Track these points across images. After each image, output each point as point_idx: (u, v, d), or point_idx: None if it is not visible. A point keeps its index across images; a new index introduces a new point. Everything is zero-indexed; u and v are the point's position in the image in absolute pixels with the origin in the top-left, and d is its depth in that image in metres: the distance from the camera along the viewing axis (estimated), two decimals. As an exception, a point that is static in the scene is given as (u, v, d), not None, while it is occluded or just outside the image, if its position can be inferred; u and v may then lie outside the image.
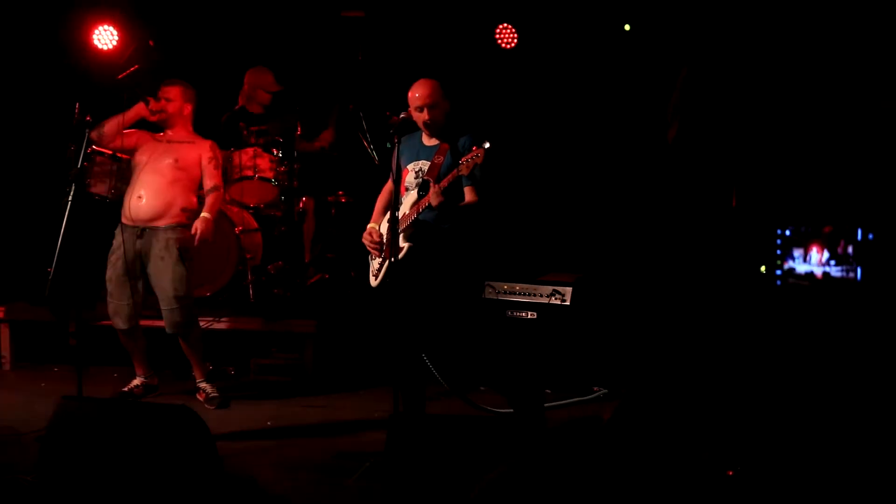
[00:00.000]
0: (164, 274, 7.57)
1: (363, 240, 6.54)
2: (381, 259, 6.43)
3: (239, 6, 10.10)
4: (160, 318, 7.78)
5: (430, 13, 9.81)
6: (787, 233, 8.22)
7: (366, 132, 9.27)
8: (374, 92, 9.29)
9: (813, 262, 8.20)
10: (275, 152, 9.27)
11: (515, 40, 9.60)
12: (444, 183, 6.04)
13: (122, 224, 7.61)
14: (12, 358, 9.03)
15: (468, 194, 6.20)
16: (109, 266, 7.68)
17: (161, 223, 7.59)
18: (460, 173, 6.02)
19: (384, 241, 6.40)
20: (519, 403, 6.62)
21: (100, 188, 8.10)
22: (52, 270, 7.00)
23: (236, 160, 9.29)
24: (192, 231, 7.59)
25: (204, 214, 7.69)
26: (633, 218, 9.33)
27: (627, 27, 9.60)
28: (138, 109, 7.81)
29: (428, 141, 6.43)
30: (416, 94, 6.31)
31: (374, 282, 6.51)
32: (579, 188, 9.62)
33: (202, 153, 7.84)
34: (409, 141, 6.49)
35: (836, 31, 8.66)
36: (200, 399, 7.82)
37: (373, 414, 7.42)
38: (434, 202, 6.04)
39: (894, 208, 8.15)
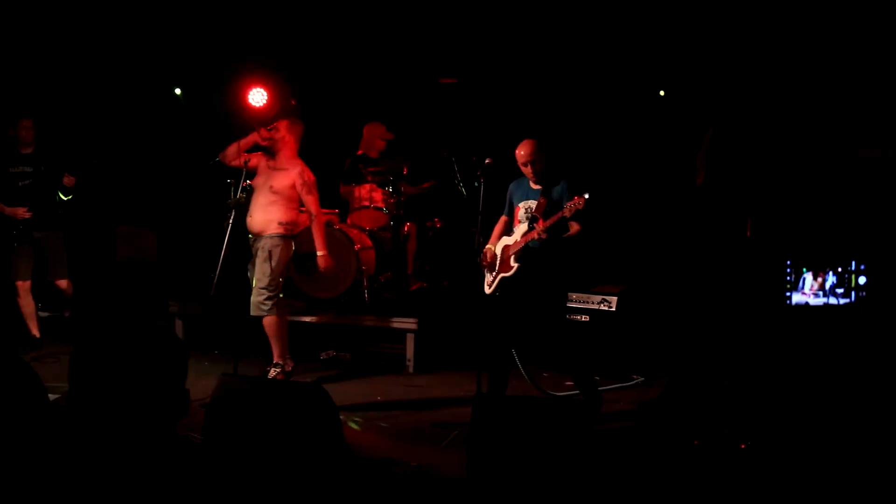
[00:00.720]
0: (257, 269, 7.44)
1: (480, 258, 6.66)
2: (494, 273, 6.56)
3: (363, 75, 10.16)
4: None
5: (504, 80, 9.82)
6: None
7: (456, 173, 9.29)
8: (465, 142, 9.31)
9: (807, 289, 8.10)
10: (387, 188, 9.35)
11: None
12: (549, 222, 6.18)
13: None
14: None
15: (573, 226, 6.31)
16: None
17: (265, 233, 7.46)
18: (564, 216, 6.15)
19: (497, 259, 6.55)
20: (583, 388, 6.62)
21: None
22: (216, 276, 7.09)
23: (356, 193, 9.40)
24: (317, 268, 7.58)
25: (319, 253, 7.58)
26: (667, 244, 9.26)
27: (662, 93, 9.54)
28: (252, 136, 7.63)
29: (534, 185, 6.53)
30: (521, 152, 6.45)
31: (487, 290, 6.67)
32: (626, 219, 9.56)
33: (294, 179, 7.46)
34: (520, 184, 6.63)
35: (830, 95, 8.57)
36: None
37: (460, 393, 7.39)
38: (542, 236, 6.21)
39: (885, 244, 8.05)
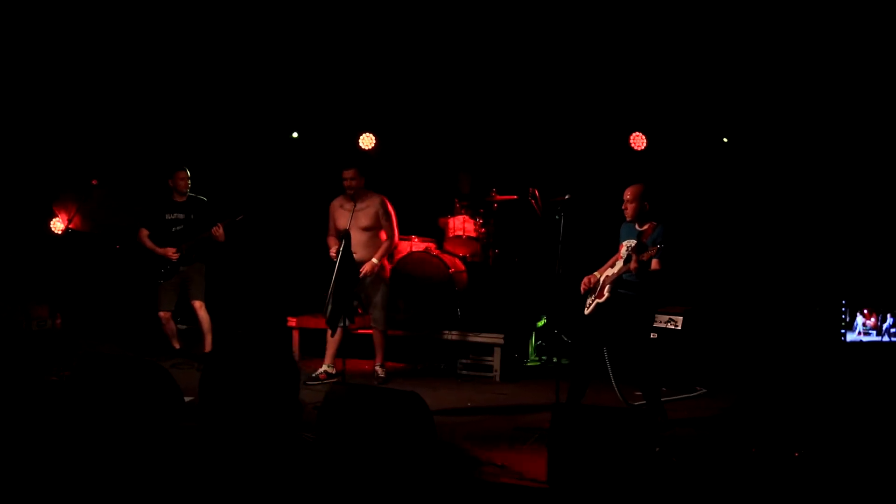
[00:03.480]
0: (374, 292, 8.08)
1: (583, 280, 6.72)
2: (592, 297, 6.64)
3: (460, 124, 10.19)
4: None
5: (576, 125, 9.77)
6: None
7: (540, 208, 9.23)
8: (547, 181, 9.25)
9: (858, 329, 7.88)
10: (477, 220, 9.36)
11: (644, 144, 9.50)
12: (644, 256, 6.19)
13: None
14: (299, 353, 9.06)
15: (654, 264, 6.30)
16: None
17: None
18: (642, 259, 6.20)
19: (598, 285, 6.63)
20: (650, 399, 6.55)
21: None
22: (329, 296, 7.13)
23: (451, 224, 9.41)
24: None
25: (374, 259, 7.90)
26: (728, 273, 9.11)
27: (725, 140, 9.38)
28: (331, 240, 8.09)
29: (638, 227, 6.56)
30: (626, 194, 6.54)
31: (586, 311, 6.71)
32: (692, 248, 9.44)
33: (377, 209, 7.97)
34: (627, 225, 6.67)
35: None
36: (379, 374, 8.10)
37: (540, 400, 7.33)
38: (632, 267, 6.25)
39: None
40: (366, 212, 7.92)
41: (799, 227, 8.90)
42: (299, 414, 5.56)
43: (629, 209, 6.50)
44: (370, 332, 8.20)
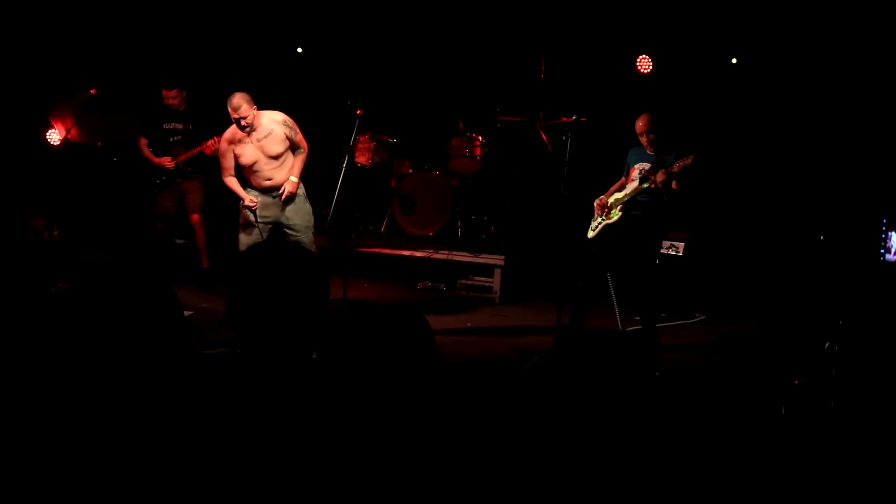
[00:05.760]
0: (302, 216, 7.01)
1: (595, 202, 6.64)
2: (600, 219, 6.57)
3: (465, 49, 10.03)
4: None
5: (589, 48, 9.60)
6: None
7: (545, 131, 9.13)
8: (555, 103, 9.13)
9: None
10: (481, 139, 9.28)
11: (651, 67, 9.37)
12: (677, 167, 6.15)
13: None
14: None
15: (674, 184, 6.24)
16: None
17: None
18: (673, 171, 6.16)
19: (607, 206, 6.55)
20: (647, 324, 6.55)
21: (361, 159, 8.16)
22: (330, 212, 7.07)
23: (454, 144, 9.33)
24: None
25: (292, 178, 6.82)
26: (731, 199, 9.05)
27: (734, 60, 9.23)
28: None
29: (649, 150, 6.47)
30: (639, 124, 6.45)
31: (591, 233, 6.64)
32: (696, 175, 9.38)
33: (283, 132, 6.78)
34: (637, 149, 6.57)
35: None
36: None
37: (540, 323, 7.33)
38: (659, 180, 6.21)
39: None
40: (271, 138, 6.76)
41: (830, 148, 8.72)
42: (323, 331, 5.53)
43: (650, 139, 6.39)
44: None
